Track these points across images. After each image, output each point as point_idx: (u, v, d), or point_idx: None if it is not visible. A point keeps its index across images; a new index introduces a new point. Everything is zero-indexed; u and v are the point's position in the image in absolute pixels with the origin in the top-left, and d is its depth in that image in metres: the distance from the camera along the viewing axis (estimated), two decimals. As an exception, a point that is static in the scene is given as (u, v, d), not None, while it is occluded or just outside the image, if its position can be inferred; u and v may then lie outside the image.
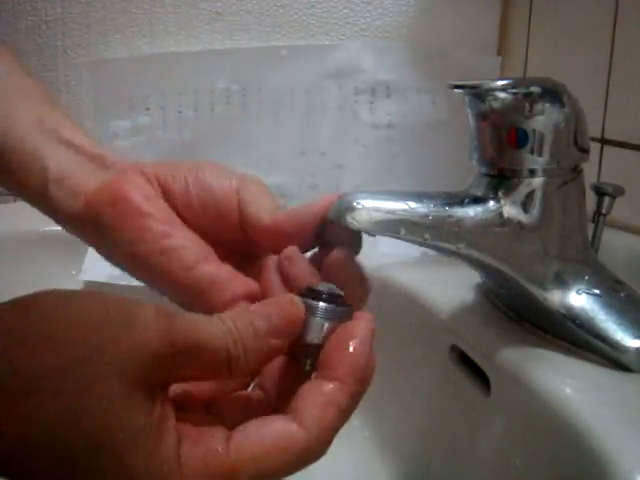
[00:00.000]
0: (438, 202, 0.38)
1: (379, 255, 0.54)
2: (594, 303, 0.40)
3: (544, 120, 0.38)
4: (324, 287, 0.30)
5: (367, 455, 0.55)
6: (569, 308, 0.40)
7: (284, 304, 0.28)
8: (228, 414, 0.29)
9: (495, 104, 0.39)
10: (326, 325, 0.29)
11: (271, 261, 0.35)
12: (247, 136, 0.71)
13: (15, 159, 0.36)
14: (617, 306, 0.40)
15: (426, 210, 0.37)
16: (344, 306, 0.30)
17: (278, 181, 0.68)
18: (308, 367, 0.29)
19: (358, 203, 0.35)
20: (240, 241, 0.36)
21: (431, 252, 0.41)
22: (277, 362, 0.31)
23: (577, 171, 0.41)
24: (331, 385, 0.27)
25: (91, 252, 0.64)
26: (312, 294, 0.29)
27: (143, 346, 0.24)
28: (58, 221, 0.37)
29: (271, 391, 0.31)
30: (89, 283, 0.63)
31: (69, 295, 0.25)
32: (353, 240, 0.34)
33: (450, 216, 0.38)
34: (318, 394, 0.27)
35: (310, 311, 0.29)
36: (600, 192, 0.48)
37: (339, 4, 0.75)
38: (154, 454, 0.24)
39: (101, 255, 0.37)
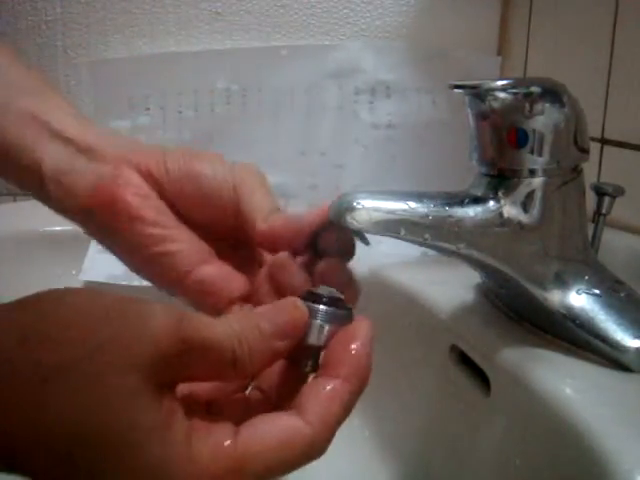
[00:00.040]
0: (438, 202, 0.38)
1: (379, 255, 0.54)
2: (594, 303, 0.40)
3: (544, 120, 0.38)
4: (324, 290, 0.30)
5: (367, 455, 0.55)
6: (569, 308, 0.40)
7: (289, 307, 0.29)
8: (228, 414, 0.29)
9: (495, 104, 0.39)
10: (327, 327, 0.29)
11: (263, 268, 0.36)
12: (247, 136, 0.71)
13: (12, 156, 0.36)
14: (617, 306, 0.40)
15: (426, 210, 0.37)
16: (344, 309, 0.30)
17: (278, 181, 0.68)
18: (308, 369, 0.30)
19: (358, 203, 0.35)
20: (237, 235, 0.36)
21: (431, 252, 0.41)
22: (276, 365, 0.31)
23: (577, 171, 0.41)
24: (334, 382, 0.27)
25: (91, 252, 0.64)
26: (313, 297, 0.30)
27: (153, 344, 0.24)
28: (63, 217, 0.37)
29: (270, 392, 0.31)
30: (89, 283, 0.63)
31: (72, 293, 0.25)
32: (347, 248, 0.35)
33: (450, 216, 0.38)
34: (322, 390, 0.27)
35: (311, 314, 0.29)
36: (600, 192, 0.48)
37: (339, 4, 0.75)
38: (164, 448, 0.24)
39: (105, 247, 0.38)
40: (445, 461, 0.48)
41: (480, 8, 0.75)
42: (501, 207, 0.39)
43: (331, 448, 0.27)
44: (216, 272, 0.35)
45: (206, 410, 0.29)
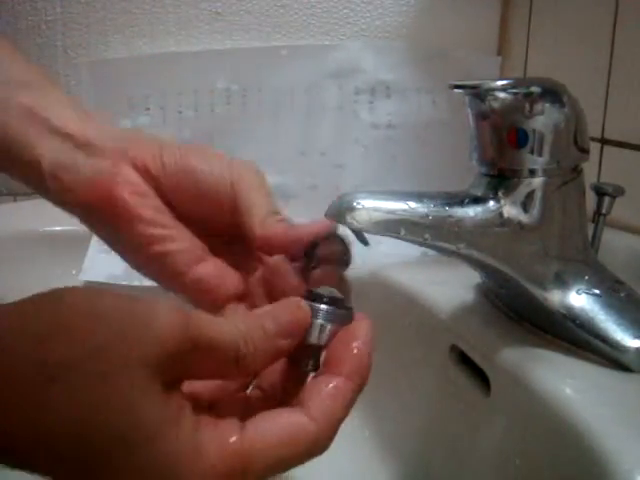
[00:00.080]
0: (438, 202, 0.38)
1: (379, 255, 0.54)
2: (594, 303, 0.40)
3: (544, 120, 0.38)
4: (325, 291, 0.30)
5: (367, 455, 0.55)
6: (569, 308, 0.40)
7: (292, 307, 0.29)
8: (230, 413, 0.29)
9: (495, 104, 0.39)
10: (328, 327, 0.29)
11: (258, 271, 0.36)
12: (247, 136, 0.71)
13: (14, 152, 0.36)
14: (617, 306, 0.40)
15: (426, 210, 0.37)
16: (345, 309, 0.30)
17: (278, 181, 0.68)
18: (309, 368, 0.30)
19: (358, 203, 0.35)
20: (233, 232, 0.36)
21: (431, 252, 0.41)
22: (277, 364, 0.31)
23: (577, 171, 0.41)
24: (337, 380, 0.28)
25: (91, 252, 0.64)
26: (314, 297, 0.30)
27: (160, 343, 0.24)
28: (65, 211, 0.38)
29: (270, 391, 0.32)
30: (89, 283, 0.63)
31: (72, 293, 0.25)
32: (343, 258, 0.35)
33: (450, 216, 0.38)
34: (325, 388, 0.27)
35: (312, 314, 0.29)
36: (600, 192, 0.48)
37: (339, 4, 0.75)
38: (172, 444, 0.24)
39: (106, 244, 0.38)
40: (445, 461, 0.48)
41: (480, 8, 0.75)
42: (501, 207, 0.39)
43: (331, 448, 0.27)
44: (212, 270, 0.35)
45: (208, 409, 0.29)
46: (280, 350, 0.28)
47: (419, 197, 0.37)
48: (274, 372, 0.31)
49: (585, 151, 0.41)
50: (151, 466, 0.24)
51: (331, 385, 0.27)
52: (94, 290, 0.25)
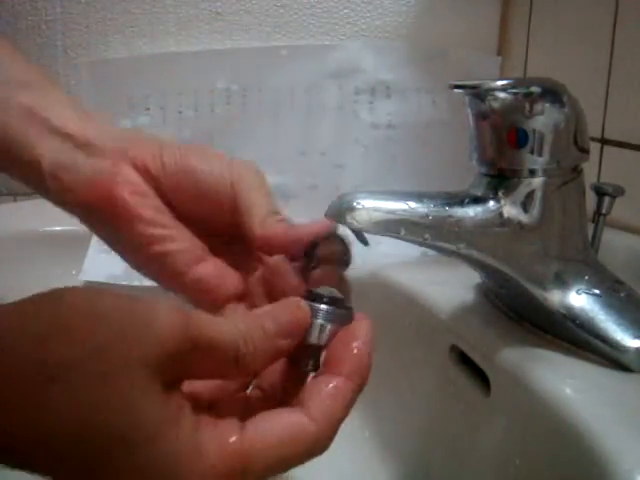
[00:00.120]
0: (438, 202, 0.38)
1: (379, 255, 0.54)
2: (594, 303, 0.40)
3: (544, 120, 0.38)
4: (325, 291, 0.30)
5: (367, 455, 0.55)
6: (569, 308, 0.40)
7: (292, 307, 0.29)
8: (229, 413, 0.29)
9: (495, 104, 0.39)
10: (328, 327, 0.29)
11: (258, 271, 0.36)
12: (247, 136, 0.71)
13: (14, 152, 0.36)
14: (617, 306, 0.40)
15: (426, 210, 0.37)
16: (345, 309, 0.30)
17: (278, 181, 0.68)
18: (309, 368, 0.30)
19: (358, 203, 0.35)
20: (232, 232, 0.36)
21: (431, 252, 0.41)
22: (276, 364, 0.31)
23: (577, 171, 0.41)
24: (337, 380, 0.28)
25: (91, 252, 0.64)
26: (313, 297, 0.30)
27: (160, 343, 0.24)
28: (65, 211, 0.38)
29: (270, 391, 0.32)
30: (89, 283, 0.63)
31: (72, 293, 0.25)
32: (343, 258, 0.35)
33: (450, 216, 0.38)
34: (325, 388, 0.27)
35: (312, 313, 0.29)
36: (600, 192, 0.48)
37: (339, 4, 0.75)
38: (172, 444, 0.24)
39: (107, 244, 0.38)
40: (445, 461, 0.48)
41: (480, 8, 0.75)
42: (501, 207, 0.39)
43: (331, 448, 0.27)
44: (212, 270, 0.35)
45: (208, 408, 0.29)
46: (280, 350, 0.28)
47: (419, 197, 0.37)
48: (274, 372, 0.31)
49: (585, 151, 0.41)
50: (151, 466, 0.24)
51: (331, 385, 0.27)
52: (94, 290, 0.25)
